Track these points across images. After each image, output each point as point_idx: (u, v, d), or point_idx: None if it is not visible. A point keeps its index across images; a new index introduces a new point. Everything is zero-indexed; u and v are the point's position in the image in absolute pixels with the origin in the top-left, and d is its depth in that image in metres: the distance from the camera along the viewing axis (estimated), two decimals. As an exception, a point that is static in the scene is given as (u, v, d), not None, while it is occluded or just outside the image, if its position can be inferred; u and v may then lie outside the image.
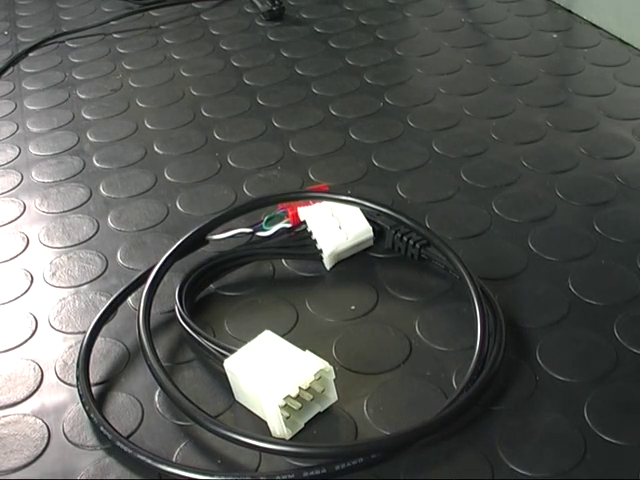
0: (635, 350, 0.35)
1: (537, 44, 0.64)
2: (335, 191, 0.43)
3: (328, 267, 0.41)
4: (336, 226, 0.41)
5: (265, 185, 0.49)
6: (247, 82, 0.62)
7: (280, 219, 0.42)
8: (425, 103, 0.57)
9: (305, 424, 0.33)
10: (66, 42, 0.71)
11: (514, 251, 0.42)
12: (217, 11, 0.75)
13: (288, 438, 0.32)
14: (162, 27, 0.73)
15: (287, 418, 0.32)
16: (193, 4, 0.77)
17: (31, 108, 0.61)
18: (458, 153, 0.50)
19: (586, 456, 0.31)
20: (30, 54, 0.70)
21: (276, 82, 0.61)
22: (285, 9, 0.72)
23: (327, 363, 0.32)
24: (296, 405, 0.32)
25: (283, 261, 0.42)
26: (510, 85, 0.58)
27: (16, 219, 0.48)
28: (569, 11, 0.68)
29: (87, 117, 0.59)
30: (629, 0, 0.61)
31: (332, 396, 0.33)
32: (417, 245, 0.40)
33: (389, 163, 0.50)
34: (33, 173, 0.53)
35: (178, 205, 0.48)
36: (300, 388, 0.32)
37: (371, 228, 0.41)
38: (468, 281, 0.37)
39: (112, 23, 0.74)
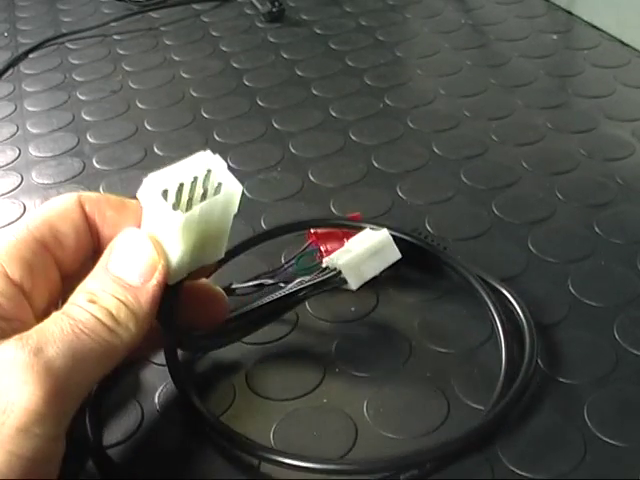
0: (635, 351, 0.35)
1: (537, 45, 0.64)
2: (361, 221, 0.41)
3: (354, 287, 0.36)
4: (349, 248, 0.37)
5: (265, 187, 0.49)
6: (247, 83, 0.62)
7: (311, 258, 0.38)
8: (425, 104, 0.57)
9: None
10: (66, 43, 0.72)
11: (514, 252, 0.42)
12: (217, 12, 0.75)
13: (181, 222, 0.27)
14: (162, 28, 0.73)
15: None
16: (193, 5, 0.77)
17: (31, 109, 0.61)
18: (458, 154, 0.50)
19: (586, 457, 0.31)
20: (30, 55, 0.70)
21: (276, 83, 0.61)
22: (285, 10, 0.72)
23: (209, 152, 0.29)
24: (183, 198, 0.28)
25: (283, 261, 0.42)
26: (510, 86, 0.58)
27: (16, 220, 0.48)
28: (569, 12, 0.68)
29: (87, 118, 0.59)
30: (629, 2, 0.61)
31: (231, 185, 0.29)
32: None
33: (389, 164, 0.50)
34: (33, 174, 0.53)
35: (178, 206, 0.48)
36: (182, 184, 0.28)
37: (388, 233, 0.37)
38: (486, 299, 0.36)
39: (112, 24, 0.74)
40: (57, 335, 0.25)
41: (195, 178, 0.28)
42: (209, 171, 0.28)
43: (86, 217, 0.30)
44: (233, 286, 0.39)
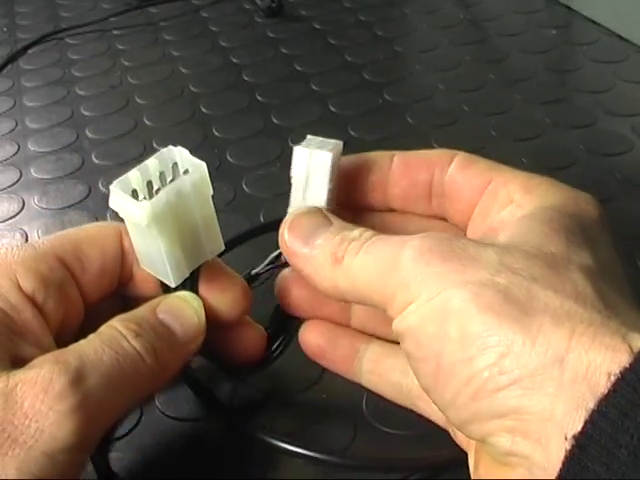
0: (633, 346, 0.35)
1: (536, 40, 0.64)
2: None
3: None
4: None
5: (264, 182, 0.49)
6: (246, 79, 0.62)
7: None
8: (424, 99, 0.57)
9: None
10: (65, 39, 0.71)
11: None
12: (216, 7, 0.75)
13: (148, 209, 0.26)
14: (161, 23, 0.73)
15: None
16: (192, 0, 0.77)
17: (30, 105, 0.61)
18: (457, 150, 0.50)
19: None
20: (29, 51, 0.70)
21: (275, 79, 0.61)
22: (284, 6, 0.72)
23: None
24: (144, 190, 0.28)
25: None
26: (509, 81, 0.58)
27: (15, 215, 0.48)
28: (568, 7, 0.68)
29: (86, 114, 0.59)
30: (628, -4, 0.61)
31: (195, 164, 0.28)
32: None
33: (388, 160, 0.50)
34: (32, 170, 0.53)
35: (177, 202, 0.48)
36: (145, 179, 0.28)
37: (296, 146, 0.30)
38: None
39: (111, 19, 0.74)
40: (96, 365, 0.25)
41: (161, 173, 0.28)
42: (175, 164, 0.28)
43: (122, 248, 0.30)
44: (253, 272, 0.38)
